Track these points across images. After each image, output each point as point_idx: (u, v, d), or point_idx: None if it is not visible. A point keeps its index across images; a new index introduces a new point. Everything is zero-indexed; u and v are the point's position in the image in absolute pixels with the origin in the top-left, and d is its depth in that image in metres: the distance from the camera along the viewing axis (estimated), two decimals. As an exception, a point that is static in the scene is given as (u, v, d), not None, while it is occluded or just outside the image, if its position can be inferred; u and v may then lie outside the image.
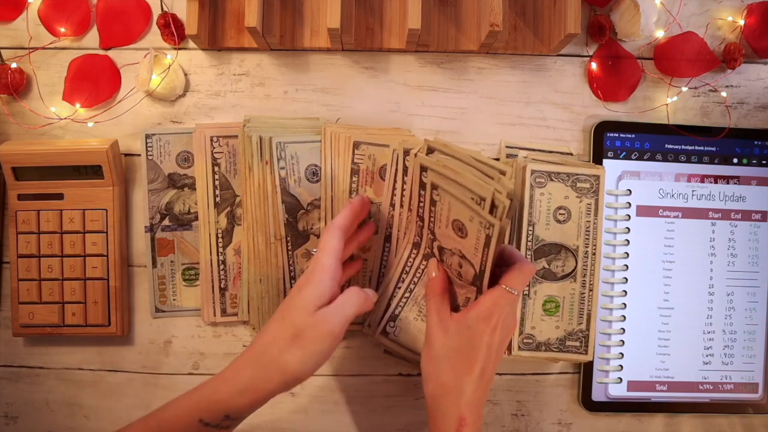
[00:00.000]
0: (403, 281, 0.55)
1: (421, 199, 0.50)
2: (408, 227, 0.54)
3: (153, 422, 0.44)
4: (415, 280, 0.55)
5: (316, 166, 0.55)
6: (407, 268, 0.55)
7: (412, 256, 0.54)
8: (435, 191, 0.47)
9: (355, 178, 0.55)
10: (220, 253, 0.57)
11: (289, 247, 0.54)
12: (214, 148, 0.57)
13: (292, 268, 0.55)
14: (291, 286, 0.54)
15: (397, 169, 0.55)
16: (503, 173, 0.43)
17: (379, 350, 0.59)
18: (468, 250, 0.46)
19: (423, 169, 0.48)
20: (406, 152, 0.54)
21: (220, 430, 0.44)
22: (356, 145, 0.55)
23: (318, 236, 0.55)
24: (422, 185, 0.48)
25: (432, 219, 0.49)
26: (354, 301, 0.46)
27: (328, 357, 0.45)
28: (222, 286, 0.57)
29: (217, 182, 0.57)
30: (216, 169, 0.57)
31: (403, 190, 0.55)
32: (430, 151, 0.49)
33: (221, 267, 0.57)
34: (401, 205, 0.55)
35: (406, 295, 0.55)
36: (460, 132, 0.59)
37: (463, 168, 0.44)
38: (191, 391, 0.44)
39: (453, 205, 0.45)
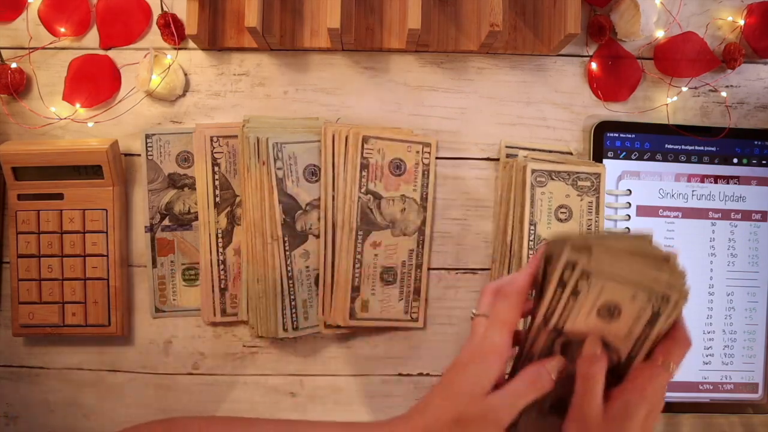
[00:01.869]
0: None
1: (555, 297, 0.42)
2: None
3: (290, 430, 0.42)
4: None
5: (315, 166, 0.55)
6: None
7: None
8: (583, 281, 0.40)
9: (364, 173, 0.55)
10: (220, 253, 0.57)
11: (287, 248, 0.54)
12: (214, 148, 0.57)
13: (289, 268, 0.55)
14: (288, 287, 0.54)
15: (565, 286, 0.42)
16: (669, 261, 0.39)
17: (379, 350, 0.59)
18: (616, 334, 0.40)
19: (567, 267, 0.40)
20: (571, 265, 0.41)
21: None
22: (365, 139, 0.55)
23: (317, 236, 0.55)
24: (561, 283, 0.41)
25: (563, 313, 0.41)
26: (530, 389, 0.40)
27: None
28: (222, 286, 0.57)
29: (217, 182, 0.57)
30: (216, 169, 0.57)
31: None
32: (584, 248, 0.41)
33: (221, 267, 0.57)
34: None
35: None
36: (460, 132, 0.59)
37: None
38: (345, 425, 0.43)
39: (607, 288, 0.39)
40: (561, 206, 0.54)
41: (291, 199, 0.54)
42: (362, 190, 0.55)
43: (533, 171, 0.54)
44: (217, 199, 0.57)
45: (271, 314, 0.54)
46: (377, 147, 0.55)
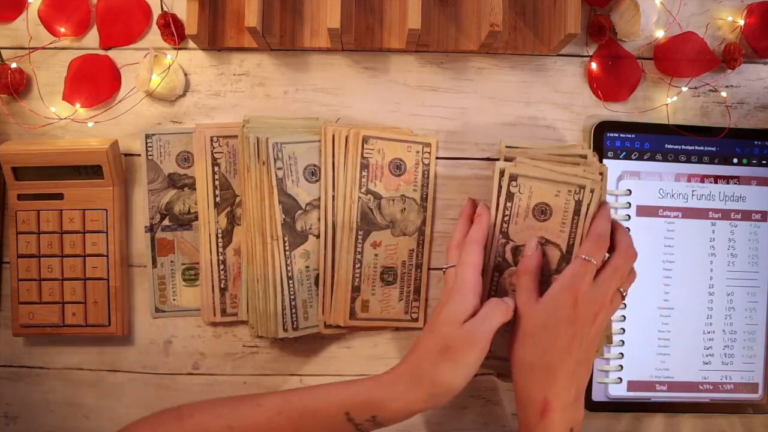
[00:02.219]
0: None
1: (507, 211, 0.52)
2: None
3: (296, 399, 0.46)
4: (493, 292, 0.54)
5: (315, 166, 0.55)
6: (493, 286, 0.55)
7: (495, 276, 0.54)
8: (513, 183, 0.51)
9: (365, 173, 0.55)
10: (220, 253, 0.57)
11: (287, 248, 0.54)
12: (214, 148, 0.57)
13: (289, 268, 0.54)
14: (288, 287, 0.54)
15: (501, 191, 0.54)
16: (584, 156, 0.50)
17: (379, 350, 0.59)
18: (553, 231, 0.50)
19: (512, 179, 0.52)
20: (512, 177, 0.53)
21: (357, 428, 0.46)
22: (365, 139, 0.55)
23: (317, 236, 0.55)
24: (509, 196, 0.52)
25: (506, 220, 0.52)
26: (497, 311, 0.48)
27: (476, 368, 0.46)
28: (222, 286, 0.57)
29: (217, 182, 0.57)
30: (216, 169, 0.57)
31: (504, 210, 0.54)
32: (508, 159, 0.53)
33: (221, 267, 0.57)
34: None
35: None
36: (460, 132, 0.59)
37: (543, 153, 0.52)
38: (342, 384, 0.47)
39: (535, 190, 0.50)
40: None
41: (291, 199, 0.54)
42: (362, 190, 0.55)
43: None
44: (217, 199, 0.57)
45: (271, 314, 0.54)
46: (377, 147, 0.55)
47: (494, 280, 0.53)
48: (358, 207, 0.55)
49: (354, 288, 0.56)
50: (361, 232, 0.56)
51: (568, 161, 0.52)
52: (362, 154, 0.55)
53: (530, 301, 0.49)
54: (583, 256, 0.47)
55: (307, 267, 0.55)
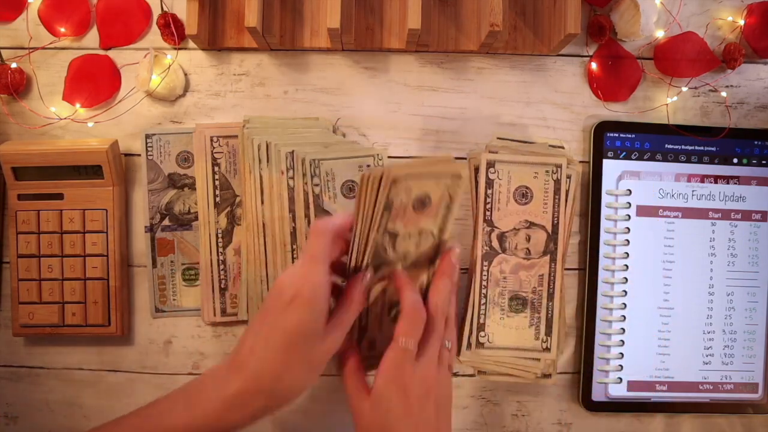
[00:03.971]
0: (485, 288, 0.55)
1: (488, 199, 0.53)
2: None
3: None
4: (484, 282, 0.54)
5: (352, 182, 0.55)
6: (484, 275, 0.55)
7: (485, 265, 0.54)
8: (491, 168, 0.52)
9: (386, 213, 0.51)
10: (220, 253, 0.57)
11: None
12: (214, 148, 0.57)
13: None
14: None
15: (479, 184, 0.54)
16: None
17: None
18: (536, 211, 0.51)
19: (489, 166, 0.53)
20: (489, 164, 0.54)
21: None
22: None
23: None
24: (489, 183, 0.53)
25: (489, 207, 0.53)
26: (351, 317, 0.44)
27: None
28: (222, 286, 0.57)
29: (217, 182, 0.57)
30: (216, 169, 0.57)
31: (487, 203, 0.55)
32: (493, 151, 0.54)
33: (221, 267, 0.57)
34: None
35: (483, 301, 0.55)
36: (460, 132, 0.59)
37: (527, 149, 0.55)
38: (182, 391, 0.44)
39: (514, 173, 0.52)
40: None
41: (327, 214, 0.54)
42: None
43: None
44: (217, 199, 0.57)
45: None
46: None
47: (484, 271, 0.53)
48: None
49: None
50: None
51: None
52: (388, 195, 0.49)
53: (360, 403, 0.44)
54: (401, 342, 0.42)
55: (342, 281, 0.53)
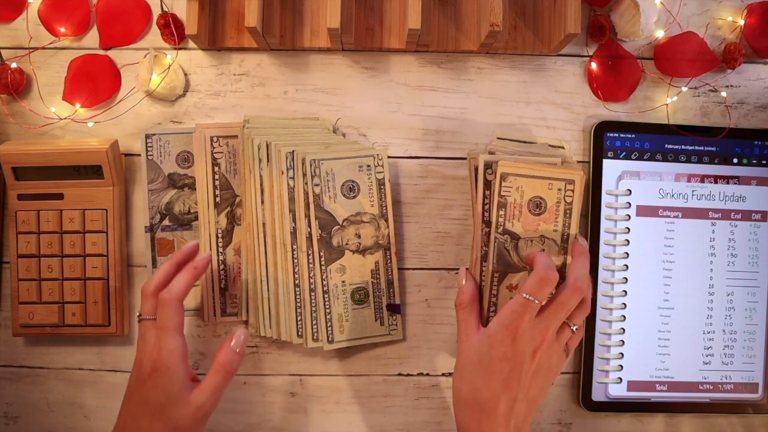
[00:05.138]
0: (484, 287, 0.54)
1: (486, 200, 0.52)
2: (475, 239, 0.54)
3: None
4: (484, 282, 0.53)
5: (353, 182, 0.55)
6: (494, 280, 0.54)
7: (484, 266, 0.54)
8: (504, 181, 0.50)
9: (501, 212, 0.52)
10: (220, 253, 0.57)
11: (322, 263, 0.54)
12: (214, 148, 0.57)
13: (325, 283, 0.54)
14: (324, 301, 0.54)
15: (477, 184, 0.53)
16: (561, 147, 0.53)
17: (379, 350, 0.59)
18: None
19: (487, 167, 0.51)
20: (487, 165, 0.53)
21: None
22: (504, 176, 0.51)
23: (353, 251, 0.55)
24: (487, 184, 0.51)
25: (487, 207, 0.51)
26: (221, 380, 0.46)
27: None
28: (222, 286, 0.57)
29: (217, 182, 0.57)
30: (216, 169, 0.57)
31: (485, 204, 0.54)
32: (491, 152, 0.53)
33: (221, 267, 0.57)
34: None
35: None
36: (460, 132, 0.59)
37: (526, 149, 0.53)
38: None
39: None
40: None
41: (328, 214, 0.54)
42: (499, 230, 0.52)
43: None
44: (218, 199, 0.57)
45: (307, 324, 0.54)
46: (516, 185, 0.51)
47: (482, 270, 0.53)
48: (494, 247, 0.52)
49: None
50: (497, 274, 0.52)
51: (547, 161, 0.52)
52: (500, 192, 0.51)
53: (468, 335, 0.48)
54: (525, 295, 0.45)
55: (343, 282, 0.55)
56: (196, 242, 0.53)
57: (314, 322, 0.55)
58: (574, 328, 0.48)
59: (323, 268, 0.54)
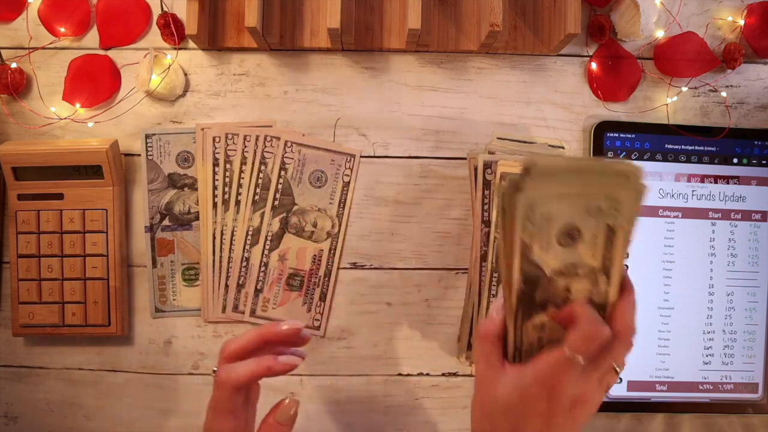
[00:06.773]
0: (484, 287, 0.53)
1: (486, 200, 0.51)
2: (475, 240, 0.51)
3: None
4: (483, 282, 0.52)
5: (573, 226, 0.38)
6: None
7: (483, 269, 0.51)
8: (504, 181, 0.46)
9: None
10: (246, 251, 0.57)
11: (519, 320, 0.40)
12: (214, 147, 0.57)
13: (518, 342, 0.41)
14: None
15: (477, 184, 0.52)
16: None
17: (378, 349, 0.59)
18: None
19: (487, 167, 0.49)
20: (487, 165, 0.51)
21: None
22: (504, 177, 0.48)
23: (557, 307, 0.40)
24: (486, 184, 0.50)
25: (486, 208, 0.49)
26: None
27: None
28: (258, 287, 0.57)
29: (217, 182, 0.57)
30: (216, 169, 0.57)
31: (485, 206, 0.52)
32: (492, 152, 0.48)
33: (243, 264, 0.57)
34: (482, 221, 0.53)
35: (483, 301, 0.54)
36: (460, 132, 0.59)
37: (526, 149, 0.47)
38: None
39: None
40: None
41: (535, 266, 0.38)
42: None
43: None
44: (276, 203, 0.57)
45: None
46: None
47: (482, 269, 0.52)
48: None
49: None
50: None
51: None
52: None
53: (492, 373, 0.40)
54: (568, 351, 0.37)
55: (540, 338, 0.41)
56: (298, 327, 0.46)
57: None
58: (620, 370, 0.41)
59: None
